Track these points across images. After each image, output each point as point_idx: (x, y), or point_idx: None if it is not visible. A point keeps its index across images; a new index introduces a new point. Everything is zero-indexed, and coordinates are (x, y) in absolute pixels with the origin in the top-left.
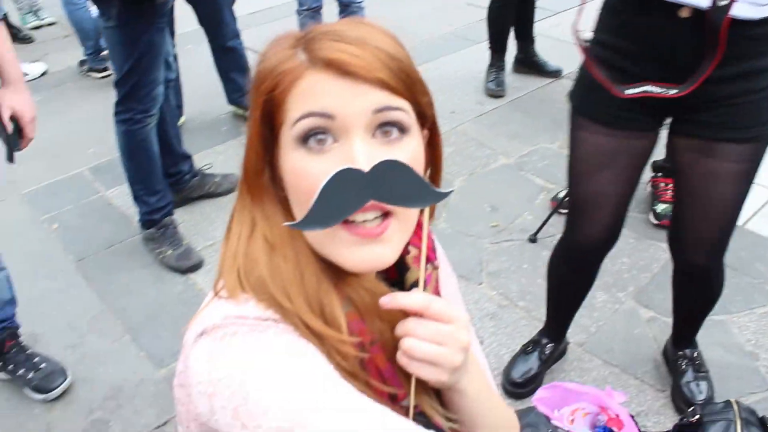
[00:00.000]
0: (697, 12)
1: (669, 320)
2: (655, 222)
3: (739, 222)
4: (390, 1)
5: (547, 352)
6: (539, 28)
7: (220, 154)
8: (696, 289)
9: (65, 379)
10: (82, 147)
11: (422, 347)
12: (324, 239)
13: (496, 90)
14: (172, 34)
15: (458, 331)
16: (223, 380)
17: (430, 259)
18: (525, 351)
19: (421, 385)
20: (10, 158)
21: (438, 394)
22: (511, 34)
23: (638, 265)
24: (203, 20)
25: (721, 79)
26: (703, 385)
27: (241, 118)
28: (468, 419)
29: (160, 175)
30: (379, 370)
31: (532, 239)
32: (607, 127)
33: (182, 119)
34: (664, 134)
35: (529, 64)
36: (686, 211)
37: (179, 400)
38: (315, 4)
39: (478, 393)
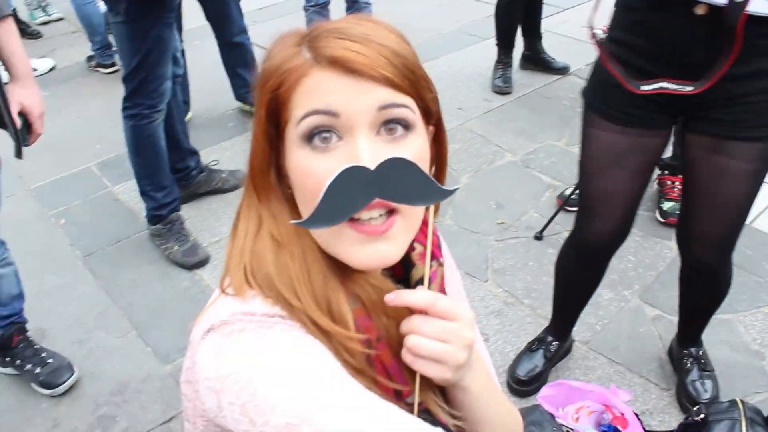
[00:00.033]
0: (712, 9)
1: (674, 319)
2: (662, 220)
3: (747, 220)
4: None
5: (552, 350)
6: (546, 25)
7: (226, 150)
8: (703, 286)
9: (72, 375)
10: (89, 142)
11: (427, 344)
12: (330, 237)
13: (503, 87)
14: (180, 29)
15: (462, 329)
16: (230, 376)
17: (436, 255)
18: (530, 349)
19: (426, 382)
20: (19, 154)
21: (442, 391)
22: (518, 31)
23: (644, 263)
24: (210, 15)
25: (737, 76)
26: (709, 384)
27: (248, 114)
28: (472, 417)
29: (167, 170)
30: (384, 366)
31: (538, 237)
32: (619, 125)
33: (189, 115)
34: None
35: (536, 61)
36: (695, 207)
37: (186, 396)
38: (322, 0)
39: (481, 390)
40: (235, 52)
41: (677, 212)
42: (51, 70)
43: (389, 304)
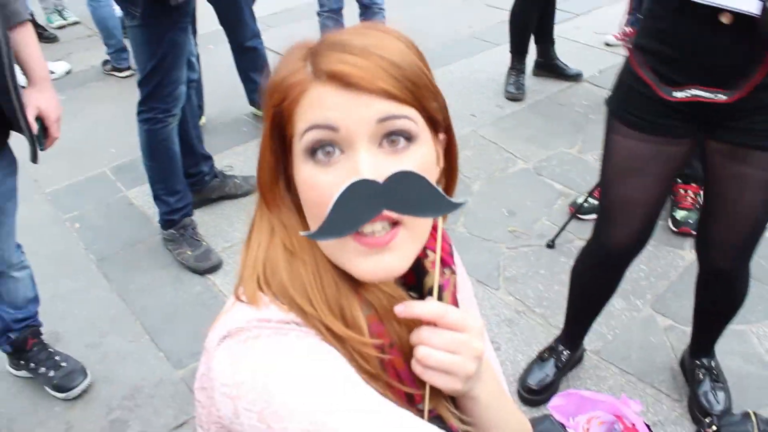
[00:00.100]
0: (737, 17)
1: (687, 329)
2: (674, 229)
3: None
4: (409, 2)
5: (563, 360)
6: (559, 31)
7: (239, 155)
8: (720, 293)
9: (85, 379)
10: (104, 147)
11: (436, 356)
12: (334, 249)
13: (515, 93)
14: (194, 33)
15: (472, 340)
16: (247, 383)
17: (448, 263)
18: (541, 358)
19: (437, 389)
20: (34, 158)
21: (453, 398)
22: (531, 38)
23: (656, 273)
24: (223, 20)
25: (767, 86)
26: (721, 395)
27: (261, 119)
28: (481, 425)
29: (180, 175)
30: (397, 371)
31: (550, 245)
32: (642, 133)
33: (203, 119)
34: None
35: (549, 67)
36: (714, 214)
37: (200, 402)
38: (336, 5)
39: (491, 400)
40: (248, 56)
41: (690, 221)
42: (67, 73)
43: (399, 316)
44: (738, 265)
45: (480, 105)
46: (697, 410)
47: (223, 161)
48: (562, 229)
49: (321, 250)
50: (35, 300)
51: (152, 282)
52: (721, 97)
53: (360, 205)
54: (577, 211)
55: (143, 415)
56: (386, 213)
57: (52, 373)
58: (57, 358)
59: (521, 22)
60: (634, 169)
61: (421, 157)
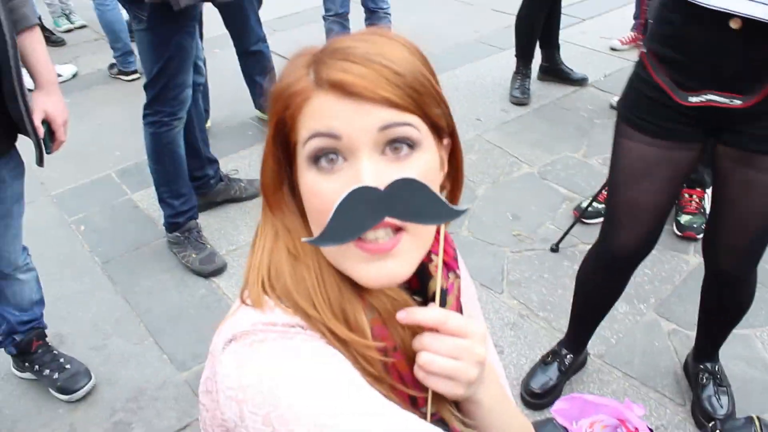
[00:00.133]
0: (747, 23)
1: (690, 333)
2: (678, 233)
3: None
4: (416, 7)
5: (566, 363)
6: (565, 36)
7: (245, 159)
8: (726, 297)
9: (89, 381)
10: (109, 150)
11: (438, 362)
12: (337, 255)
13: (521, 98)
14: (201, 37)
15: (474, 346)
16: (253, 386)
17: (452, 267)
18: (544, 361)
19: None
20: (40, 162)
21: (456, 401)
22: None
23: (660, 277)
24: (229, 24)
25: None
26: (725, 399)
27: (267, 123)
28: (484, 429)
29: (185, 178)
30: (400, 374)
31: (554, 249)
32: (651, 137)
33: (208, 123)
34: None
35: (554, 72)
36: (722, 217)
37: (205, 405)
38: (342, 9)
39: (494, 404)
40: (253, 60)
41: (694, 226)
42: (74, 76)
43: (401, 322)
44: (745, 268)
45: (485, 109)
46: (701, 414)
47: (228, 165)
48: (567, 233)
49: (323, 255)
50: (40, 302)
51: (157, 285)
52: (737, 102)
53: (361, 212)
54: (581, 215)
55: (146, 418)
56: (388, 220)
57: (56, 375)
58: (61, 360)
59: (527, 26)
60: (642, 172)
61: (424, 164)
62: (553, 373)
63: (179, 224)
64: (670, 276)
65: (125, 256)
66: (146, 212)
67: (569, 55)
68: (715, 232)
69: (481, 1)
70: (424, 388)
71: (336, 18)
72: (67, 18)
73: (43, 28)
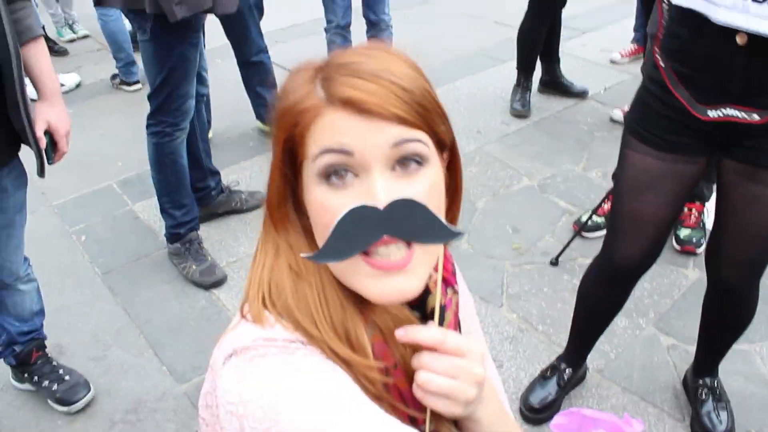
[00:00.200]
0: (753, 39)
1: (689, 348)
2: (678, 247)
3: None
4: (417, 19)
5: (565, 378)
6: (565, 48)
7: (246, 170)
8: (728, 310)
9: (88, 392)
10: (111, 160)
11: (436, 381)
12: (344, 271)
13: (521, 110)
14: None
15: (472, 366)
16: (253, 401)
17: (451, 283)
18: (543, 376)
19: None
20: (41, 172)
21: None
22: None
23: (659, 291)
24: (230, 35)
25: None
26: (724, 415)
27: (268, 134)
28: None
29: (187, 189)
30: (400, 392)
31: (554, 262)
32: (657, 150)
33: (210, 134)
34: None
35: (555, 85)
36: (725, 230)
37: (204, 420)
38: (343, 21)
39: (493, 421)
40: (254, 71)
41: (693, 240)
42: (78, 86)
43: (400, 341)
44: (748, 282)
45: (486, 122)
46: (700, 430)
47: (229, 176)
48: (566, 246)
49: (327, 272)
50: (41, 313)
51: (157, 296)
52: (755, 117)
53: (361, 230)
54: (581, 228)
55: (145, 430)
56: (387, 238)
57: (55, 387)
58: (60, 371)
59: (529, 39)
60: (647, 185)
61: (432, 179)
62: (552, 387)
63: (180, 235)
64: (670, 290)
65: (126, 267)
66: (147, 223)
67: (569, 68)
68: (719, 244)
69: (483, 13)
70: (423, 407)
71: (337, 30)
72: (71, 28)
73: (47, 38)
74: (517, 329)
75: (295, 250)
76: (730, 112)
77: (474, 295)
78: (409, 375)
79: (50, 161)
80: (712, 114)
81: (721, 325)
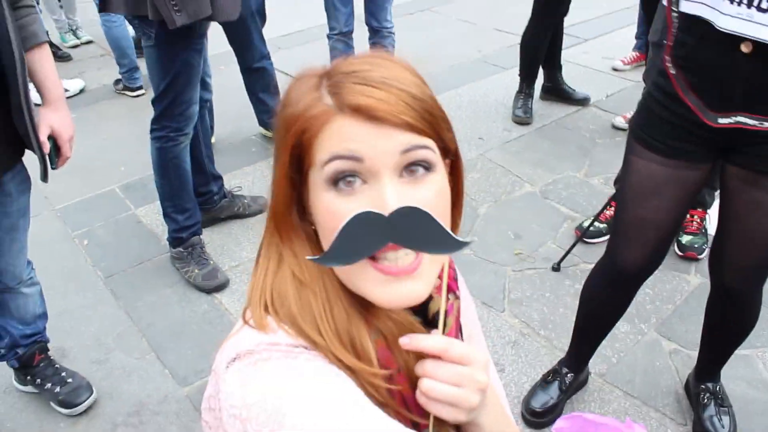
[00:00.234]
0: (758, 47)
1: (692, 353)
2: (680, 253)
3: None
4: (419, 26)
5: (567, 382)
6: (567, 56)
7: (248, 175)
8: (731, 314)
9: (91, 395)
10: (114, 165)
11: (440, 389)
12: (352, 275)
13: (523, 117)
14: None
15: (476, 373)
16: (257, 405)
17: (452, 288)
18: (545, 380)
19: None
20: (44, 177)
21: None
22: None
23: (661, 297)
24: (232, 41)
25: None
26: (726, 420)
27: (270, 140)
28: None
29: (190, 193)
30: (403, 397)
31: (556, 268)
32: (661, 156)
33: (213, 139)
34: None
35: (556, 92)
36: (728, 236)
37: (207, 423)
38: (346, 28)
39: (494, 426)
40: (257, 77)
41: (695, 246)
42: (81, 91)
43: (404, 348)
44: (751, 287)
45: (488, 128)
46: None
47: (232, 181)
48: (568, 252)
49: (331, 280)
50: (43, 316)
51: (159, 300)
52: (766, 125)
53: (365, 236)
54: (582, 234)
55: None
56: (392, 245)
57: (57, 389)
58: (63, 374)
59: (532, 47)
60: (651, 190)
61: (439, 185)
62: (553, 392)
63: (183, 239)
64: (672, 296)
65: (128, 271)
66: (149, 227)
67: (571, 75)
68: (722, 250)
69: (484, 20)
70: (426, 412)
71: (340, 36)
72: (74, 34)
73: (50, 44)
74: (519, 334)
75: (300, 258)
76: (742, 119)
77: (476, 300)
78: (412, 379)
79: (54, 166)
80: (723, 121)
81: (724, 330)
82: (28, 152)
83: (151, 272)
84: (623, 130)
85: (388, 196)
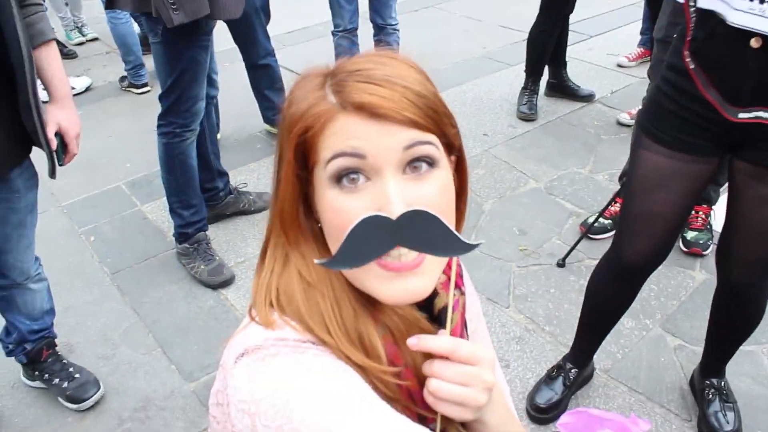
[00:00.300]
0: (766, 41)
1: (696, 348)
2: (685, 249)
3: None
4: (423, 23)
5: (571, 378)
6: (572, 52)
7: (253, 172)
8: (737, 309)
9: (98, 390)
10: (119, 162)
11: (448, 389)
12: (357, 272)
13: (528, 113)
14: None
15: (483, 373)
16: (266, 400)
17: (458, 285)
18: (549, 376)
19: None
20: (52, 174)
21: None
22: None
23: (666, 293)
24: (237, 38)
25: None
26: (731, 416)
27: (275, 136)
28: None
29: (196, 189)
30: (410, 393)
31: (560, 264)
32: (669, 149)
33: (218, 136)
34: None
35: (561, 88)
36: (735, 231)
37: (215, 418)
38: (350, 25)
39: (500, 424)
40: (262, 74)
41: (700, 242)
42: (88, 89)
43: (412, 349)
44: (757, 281)
45: (492, 125)
46: (707, 430)
47: (237, 178)
48: (573, 248)
49: (338, 279)
50: (51, 312)
51: (165, 295)
52: None
53: (373, 239)
54: (587, 230)
55: (154, 427)
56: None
57: (65, 384)
58: (70, 369)
59: (540, 43)
60: (658, 183)
61: (442, 181)
62: (558, 387)
63: (188, 235)
64: (676, 292)
65: (134, 267)
66: (155, 224)
67: (576, 72)
68: (729, 245)
69: (489, 17)
70: (433, 410)
71: (345, 33)
72: (80, 31)
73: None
74: (524, 329)
75: (307, 259)
76: (762, 114)
77: (481, 296)
78: (419, 375)
79: (61, 163)
80: (744, 116)
81: (729, 326)
82: (34, 149)
83: (157, 268)
84: (628, 126)
85: (391, 192)
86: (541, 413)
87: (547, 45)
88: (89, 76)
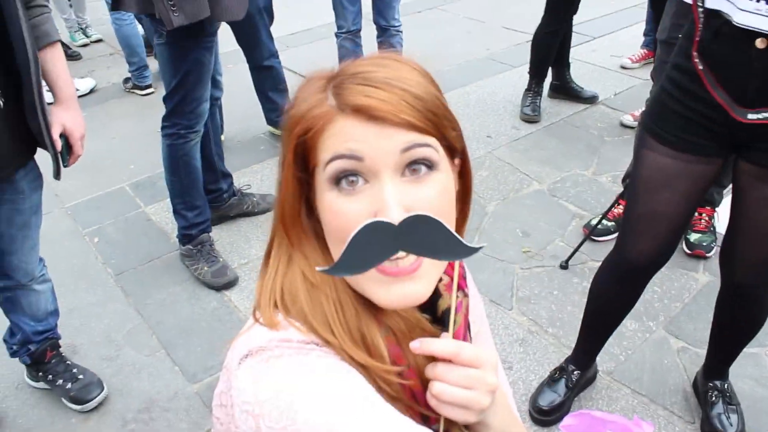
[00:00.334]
0: None
1: (699, 351)
2: (688, 251)
3: None
4: (427, 24)
5: (573, 380)
6: (576, 54)
7: (257, 173)
8: (740, 310)
9: (102, 391)
10: (123, 163)
11: (451, 392)
12: (356, 277)
13: (531, 115)
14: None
15: (486, 376)
16: (270, 401)
17: (461, 286)
18: (552, 378)
19: None
20: (57, 175)
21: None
22: None
23: (669, 295)
24: (240, 40)
25: None
26: (734, 418)
27: (279, 138)
28: None
29: (200, 191)
30: (413, 392)
31: (563, 266)
32: (673, 149)
33: (222, 137)
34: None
35: (565, 90)
36: (739, 232)
37: (219, 419)
38: (354, 27)
39: (503, 426)
40: (265, 75)
41: (704, 244)
42: (92, 90)
43: (415, 352)
44: (761, 282)
45: (496, 126)
46: None
47: (241, 179)
48: (576, 250)
49: (341, 280)
50: (55, 313)
51: (169, 297)
52: None
53: (375, 245)
54: (591, 232)
55: (157, 429)
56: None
57: (69, 386)
58: (74, 370)
59: (545, 45)
60: (662, 183)
61: (442, 184)
62: (560, 389)
63: (192, 236)
64: (680, 294)
65: (138, 269)
66: (159, 225)
67: (580, 73)
68: (733, 246)
69: (492, 18)
70: (436, 411)
71: (348, 35)
72: (84, 32)
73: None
74: (527, 331)
75: (310, 260)
76: None
77: (484, 298)
78: (422, 375)
79: (65, 164)
80: (752, 117)
81: (733, 327)
82: (39, 150)
83: (161, 270)
84: (632, 128)
85: (388, 195)
86: (544, 415)
87: (551, 46)
88: (93, 77)
